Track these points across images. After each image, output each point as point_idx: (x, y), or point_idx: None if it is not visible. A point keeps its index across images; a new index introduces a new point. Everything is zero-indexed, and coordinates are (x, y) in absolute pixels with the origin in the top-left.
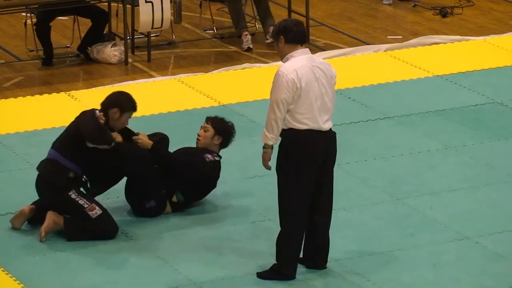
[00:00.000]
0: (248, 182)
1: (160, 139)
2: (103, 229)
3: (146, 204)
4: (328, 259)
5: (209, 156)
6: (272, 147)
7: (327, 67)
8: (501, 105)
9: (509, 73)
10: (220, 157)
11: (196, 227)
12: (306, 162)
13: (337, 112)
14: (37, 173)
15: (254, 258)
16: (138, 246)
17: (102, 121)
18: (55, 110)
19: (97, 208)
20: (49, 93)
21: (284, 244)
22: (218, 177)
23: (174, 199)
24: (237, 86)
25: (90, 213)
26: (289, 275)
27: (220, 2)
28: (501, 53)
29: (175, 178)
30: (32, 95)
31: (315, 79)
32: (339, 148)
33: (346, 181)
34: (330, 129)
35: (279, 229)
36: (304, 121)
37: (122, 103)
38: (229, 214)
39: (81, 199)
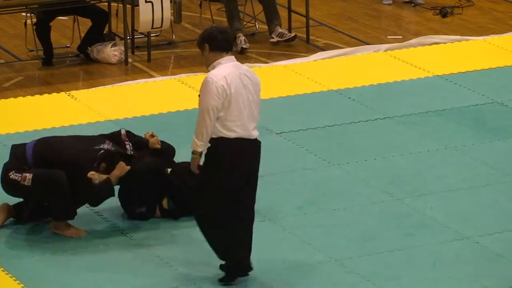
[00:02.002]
0: None
1: (166, 155)
2: (45, 186)
3: (136, 210)
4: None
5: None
6: (201, 153)
7: (253, 75)
8: (501, 105)
9: (509, 73)
10: None
11: (196, 227)
12: (235, 170)
13: (337, 112)
14: None
15: (254, 258)
16: (138, 246)
17: (96, 180)
18: (55, 110)
19: (27, 174)
20: (49, 93)
21: (214, 243)
22: None
23: (165, 205)
24: None
25: (25, 183)
26: (244, 266)
27: (220, 2)
28: (501, 53)
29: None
30: (32, 95)
31: (243, 86)
32: (340, 148)
33: (346, 181)
34: (257, 138)
35: (279, 229)
36: (234, 129)
37: (113, 167)
38: None
39: (15, 175)
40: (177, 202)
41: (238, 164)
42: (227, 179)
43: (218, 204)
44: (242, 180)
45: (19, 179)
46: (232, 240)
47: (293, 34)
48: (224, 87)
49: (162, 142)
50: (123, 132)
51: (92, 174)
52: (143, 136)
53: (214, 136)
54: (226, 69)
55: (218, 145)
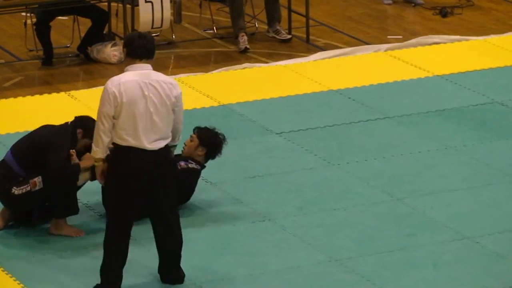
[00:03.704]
0: (248, 182)
1: None
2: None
3: None
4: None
5: (182, 163)
6: (103, 160)
7: (165, 86)
8: (501, 105)
9: (509, 73)
10: (202, 166)
11: (195, 227)
12: (125, 179)
13: (337, 112)
14: None
15: (254, 258)
16: (138, 246)
17: (72, 155)
18: (55, 110)
19: (34, 179)
20: (49, 93)
21: (104, 257)
22: (190, 184)
23: None
24: (237, 86)
25: (36, 188)
26: None
27: (220, 2)
28: (501, 53)
29: None
30: (32, 95)
31: (143, 96)
32: (340, 147)
33: (346, 181)
34: (161, 149)
35: (279, 229)
36: (125, 137)
37: (89, 129)
38: (229, 214)
39: (22, 188)
40: None
41: (126, 173)
42: (116, 186)
43: (114, 212)
44: (136, 190)
45: (28, 188)
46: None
47: (289, 36)
48: (116, 94)
49: None
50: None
51: (73, 152)
52: None
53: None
54: (127, 76)
55: (112, 150)
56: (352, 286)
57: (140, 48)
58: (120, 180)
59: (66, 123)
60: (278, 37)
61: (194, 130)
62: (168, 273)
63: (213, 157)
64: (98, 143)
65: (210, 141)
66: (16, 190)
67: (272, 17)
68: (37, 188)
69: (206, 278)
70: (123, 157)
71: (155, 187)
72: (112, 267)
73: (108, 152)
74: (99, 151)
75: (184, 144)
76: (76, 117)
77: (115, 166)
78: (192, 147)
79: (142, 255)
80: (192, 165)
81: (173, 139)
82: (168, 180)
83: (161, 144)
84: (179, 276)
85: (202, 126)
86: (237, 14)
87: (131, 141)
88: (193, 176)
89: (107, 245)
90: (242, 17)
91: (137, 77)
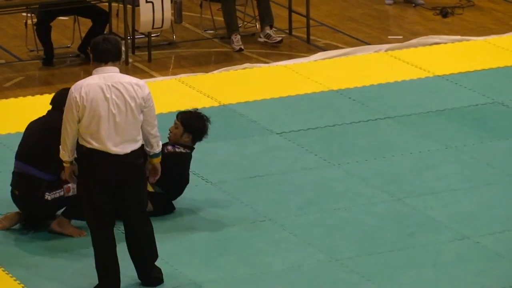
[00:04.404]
0: (248, 182)
1: None
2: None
3: None
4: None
5: (169, 147)
6: (71, 162)
7: (130, 88)
8: (501, 105)
9: (509, 73)
10: (191, 148)
11: (196, 227)
12: (91, 181)
13: (338, 112)
14: None
15: (254, 258)
16: None
17: None
18: None
19: (68, 185)
20: (50, 93)
21: (95, 258)
22: (181, 168)
23: (150, 188)
24: (238, 86)
25: (69, 194)
26: None
27: (219, 1)
28: (501, 53)
29: None
30: (33, 95)
31: (104, 99)
32: (340, 147)
33: (346, 180)
34: (128, 154)
35: (279, 229)
36: (89, 140)
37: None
38: (229, 214)
39: (55, 193)
40: (163, 187)
41: (90, 175)
42: (84, 188)
43: (87, 214)
44: (101, 192)
45: (62, 193)
46: (97, 261)
47: (279, 38)
48: (77, 99)
49: None
50: None
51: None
52: None
53: (78, 142)
54: (90, 80)
55: (79, 151)
56: (353, 285)
57: (105, 52)
58: (87, 184)
59: (48, 111)
60: (269, 41)
61: (177, 116)
62: (142, 274)
63: (200, 140)
64: (63, 146)
65: (194, 127)
66: (49, 196)
67: (263, 21)
68: (70, 194)
69: (207, 278)
70: (87, 159)
71: (120, 191)
72: (105, 268)
73: (76, 155)
74: (65, 154)
75: (169, 130)
76: (51, 103)
77: (81, 169)
78: (178, 135)
79: None
80: (180, 149)
81: (151, 146)
82: (135, 185)
83: (127, 148)
84: (155, 278)
85: (184, 110)
86: (230, 18)
87: (94, 144)
88: (181, 160)
89: (94, 247)
90: (234, 20)
91: (100, 80)
